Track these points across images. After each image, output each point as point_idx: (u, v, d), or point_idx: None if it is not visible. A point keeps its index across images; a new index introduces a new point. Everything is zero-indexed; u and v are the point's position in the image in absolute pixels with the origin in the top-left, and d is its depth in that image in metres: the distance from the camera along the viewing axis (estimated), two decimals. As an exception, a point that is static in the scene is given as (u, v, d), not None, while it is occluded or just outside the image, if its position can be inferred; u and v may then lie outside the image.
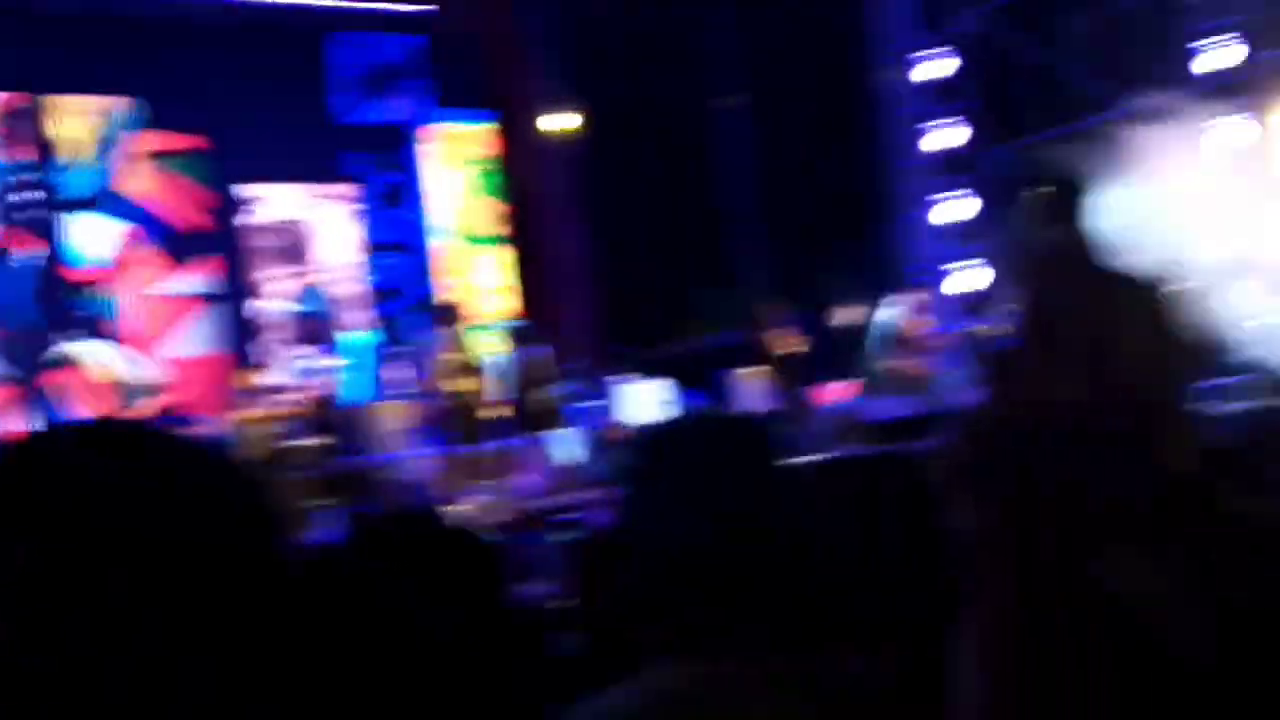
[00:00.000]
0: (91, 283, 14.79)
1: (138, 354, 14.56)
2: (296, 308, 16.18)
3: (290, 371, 14.01)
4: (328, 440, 12.82)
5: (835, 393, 15.58)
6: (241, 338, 15.43)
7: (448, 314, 12.18)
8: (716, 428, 1.86)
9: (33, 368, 14.06)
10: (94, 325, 14.64)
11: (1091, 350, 0.95)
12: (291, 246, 16.41)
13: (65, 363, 13.89)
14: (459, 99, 18.12)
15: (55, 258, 14.65)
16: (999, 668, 0.89)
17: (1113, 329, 1.00)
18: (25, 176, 14.45)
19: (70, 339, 14.14)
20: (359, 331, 16.62)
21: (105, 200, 14.99)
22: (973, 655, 0.93)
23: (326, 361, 14.19)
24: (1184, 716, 1.51)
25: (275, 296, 16.12)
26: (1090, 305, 1.14)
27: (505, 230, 18.36)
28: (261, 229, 16.23)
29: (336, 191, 16.96)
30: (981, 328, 16.22)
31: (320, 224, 16.75)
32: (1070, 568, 1.00)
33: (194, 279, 15.50)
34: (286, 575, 0.99)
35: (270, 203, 16.34)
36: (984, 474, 0.98)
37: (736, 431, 1.83)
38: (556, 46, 18.50)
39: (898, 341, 14.07)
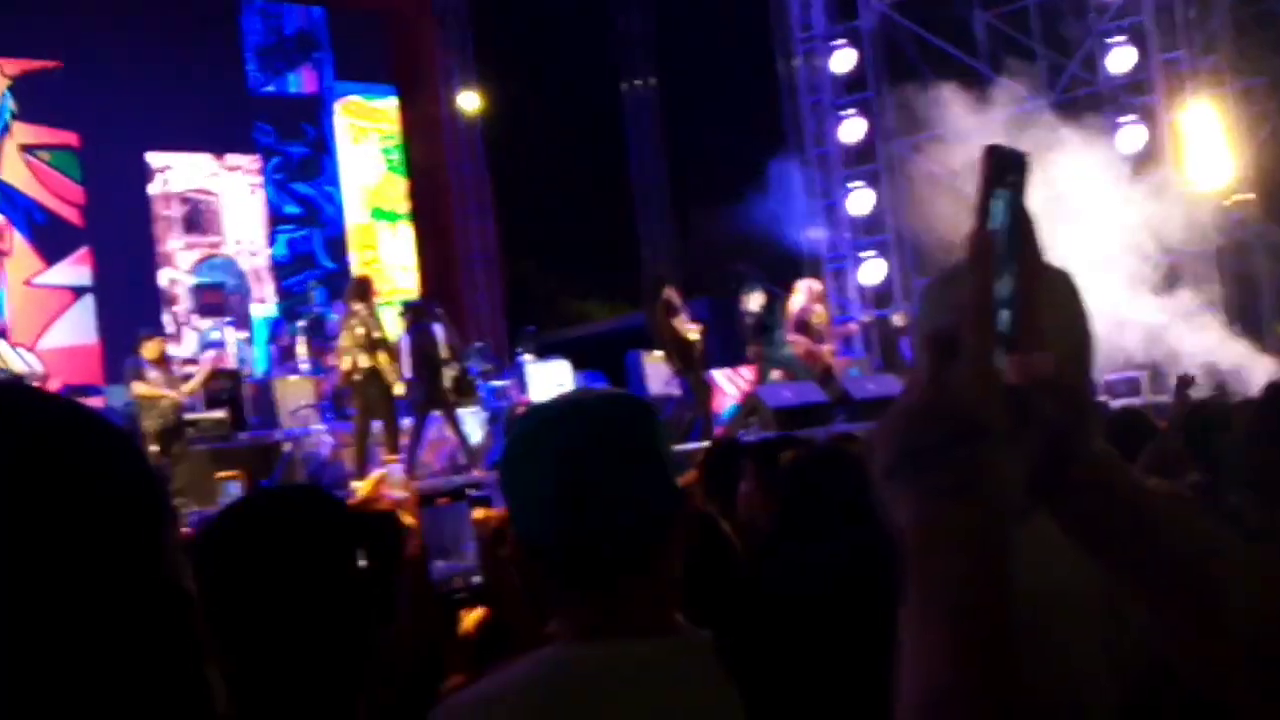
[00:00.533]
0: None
1: (19, 346, 14.48)
2: (202, 279, 16.04)
3: (195, 343, 13.86)
4: (230, 414, 12.74)
5: (738, 376, 15.79)
6: (117, 325, 15.22)
7: (357, 289, 12.09)
8: (594, 409, 1.81)
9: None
10: None
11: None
12: (198, 217, 16.25)
13: None
14: (363, 73, 18.07)
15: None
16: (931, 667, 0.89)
17: (1049, 314, 0.97)
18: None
19: None
20: (265, 304, 16.54)
21: None
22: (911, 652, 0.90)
23: (231, 334, 14.09)
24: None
25: (180, 267, 15.97)
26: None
27: (410, 207, 18.34)
28: (168, 198, 16.05)
29: (244, 163, 16.83)
30: (893, 317, 16.55)
31: (227, 195, 16.60)
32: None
33: (68, 270, 15.30)
34: (163, 557, 0.93)
35: (178, 172, 16.16)
36: (922, 461, 0.92)
37: (615, 412, 1.80)
38: (464, 24, 18.49)
39: (802, 328, 14.19)
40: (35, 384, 13.44)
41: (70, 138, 15.25)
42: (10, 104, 14.93)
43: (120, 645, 0.87)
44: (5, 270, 14.78)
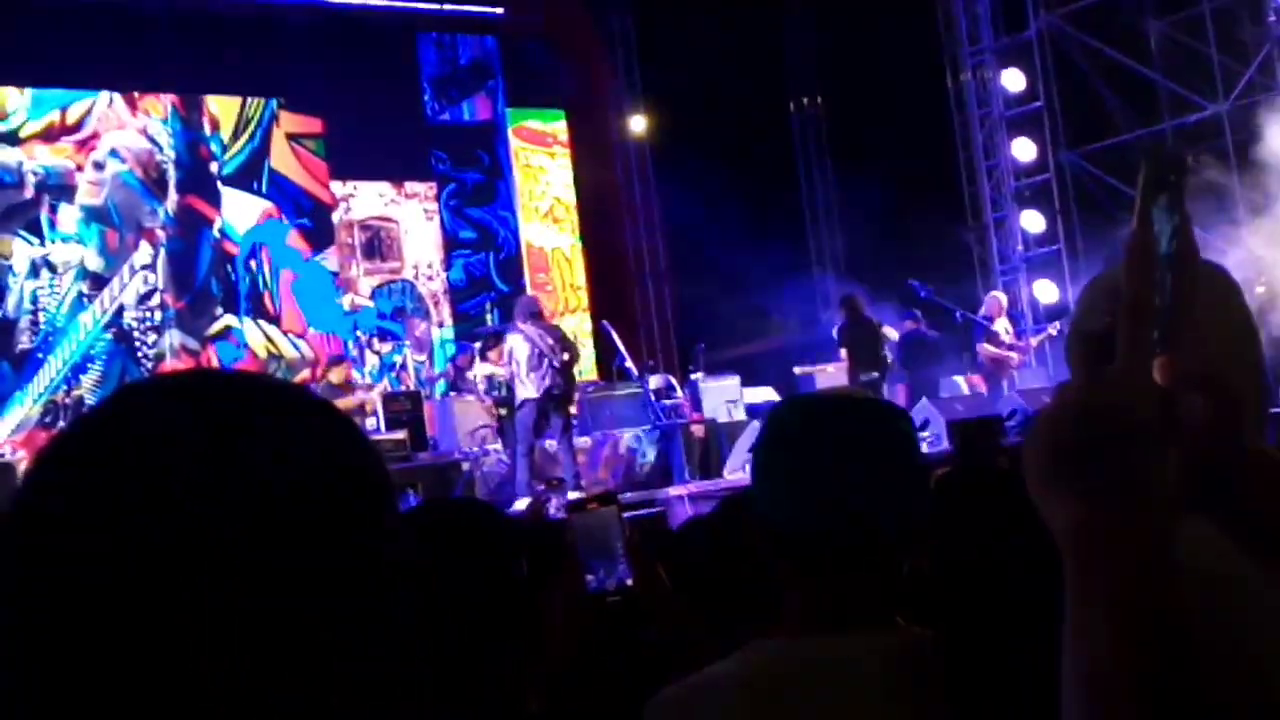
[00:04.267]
0: (248, 258, 15.12)
1: (289, 333, 14.98)
2: (381, 304, 16.49)
3: (376, 366, 14.14)
4: (410, 434, 12.97)
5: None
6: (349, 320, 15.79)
7: (530, 310, 12.23)
8: (856, 407, 1.87)
9: (203, 340, 14.34)
10: (255, 300, 14.98)
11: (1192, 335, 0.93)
12: (378, 243, 16.68)
13: (229, 336, 14.08)
14: (534, 99, 18.35)
15: (223, 232, 14.93)
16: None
17: (1205, 312, 0.95)
18: (200, 147, 14.49)
19: (233, 313, 14.33)
20: (443, 327, 16.86)
21: (253, 178, 15.25)
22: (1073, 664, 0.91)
23: (411, 356, 14.38)
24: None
25: (362, 293, 16.43)
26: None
27: (581, 228, 18.56)
28: (350, 226, 16.51)
29: (422, 190, 17.21)
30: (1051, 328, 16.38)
31: (406, 221, 17.00)
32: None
33: (328, 258, 15.98)
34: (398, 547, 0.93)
35: (360, 200, 16.63)
36: (1078, 463, 0.92)
37: (875, 411, 1.87)
38: (631, 46, 18.66)
39: (989, 338, 14.40)
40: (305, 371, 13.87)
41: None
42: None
43: (350, 600, 0.87)
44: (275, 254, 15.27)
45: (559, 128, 18.60)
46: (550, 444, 12.53)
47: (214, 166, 14.16)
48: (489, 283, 17.56)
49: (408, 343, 15.11)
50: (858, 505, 1.76)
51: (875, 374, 13.90)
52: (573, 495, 10.40)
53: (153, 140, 13.61)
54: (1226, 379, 0.94)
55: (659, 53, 18.01)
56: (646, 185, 18.73)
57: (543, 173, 18.40)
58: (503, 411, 13.05)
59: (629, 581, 2.30)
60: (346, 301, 16.18)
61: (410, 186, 17.10)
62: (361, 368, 14.64)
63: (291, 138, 15.68)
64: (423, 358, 15.50)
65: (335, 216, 16.40)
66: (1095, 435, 0.91)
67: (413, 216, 17.08)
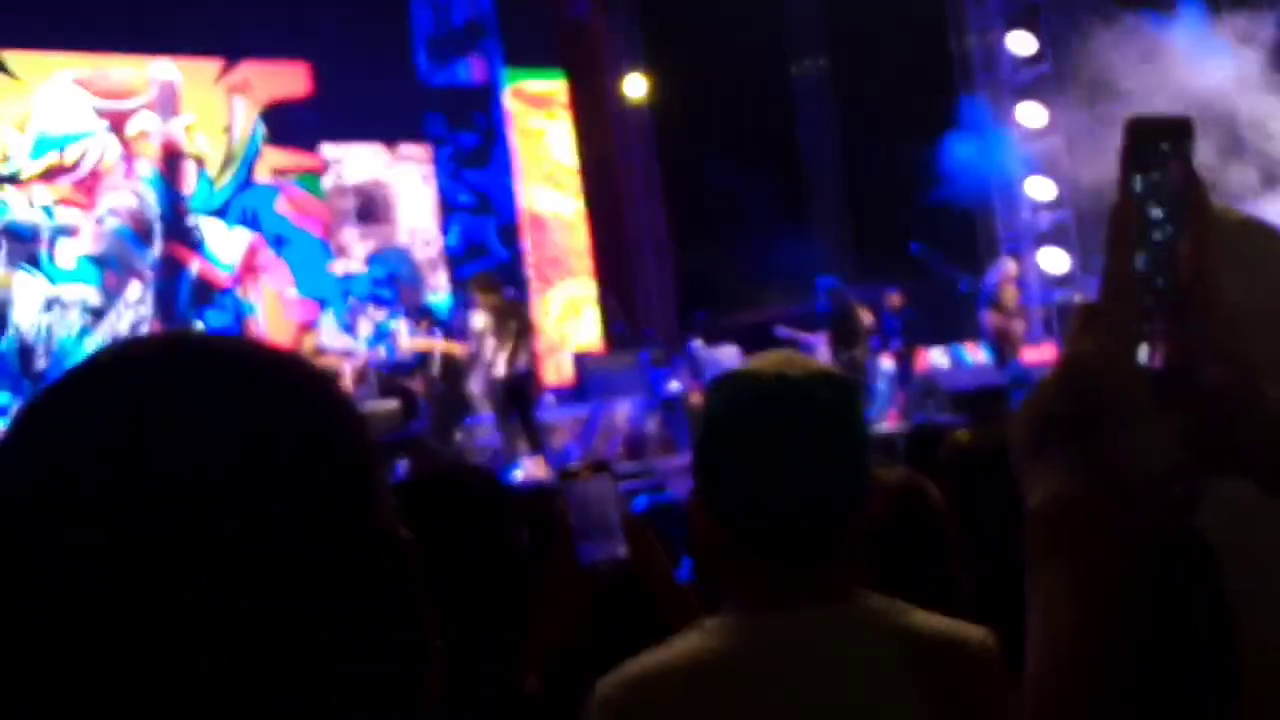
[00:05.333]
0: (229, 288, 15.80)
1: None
2: (374, 270, 16.30)
3: (369, 333, 14.07)
4: (403, 404, 12.86)
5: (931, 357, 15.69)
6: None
7: (491, 284, 12.23)
8: (798, 385, 1.78)
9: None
10: (239, 327, 15.48)
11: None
12: (371, 208, 16.54)
13: None
14: (531, 60, 18.12)
15: (208, 263, 15.76)
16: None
17: (1240, 272, 0.97)
18: (179, 204, 15.76)
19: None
20: (439, 294, 16.72)
21: (235, 211, 15.91)
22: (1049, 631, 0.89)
23: (404, 324, 14.23)
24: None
25: (355, 258, 16.26)
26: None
27: (581, 193, 18.37)
28: (343, 190, 16.35)
29: (416, 153, 17.02)
30: (1075, 298, 16.20)
31: (400, 186, 16.82)
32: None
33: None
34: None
35: (351, 164, 16.45)
36: (1051, 436, 0.90)
37: (818, 388, 1.78)
38: (631, 7, 18.46)
39: (995, 307, 14.25)
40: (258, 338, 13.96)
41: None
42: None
43: (347, 595, 0.85)
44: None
45: (558, 88, 18.36)
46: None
47: (191, 219, 15.73)
48: (486, 248, 17.34)
49: (402, 310, 14.95)
50: (799, 488, 1.74)
51: (855, 351, 13.94)
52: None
53: (141, 199, 15.41)
54: (1235, 349, 0.91)
55: (659, 13, 17.84)
56: (647, 149, 18.57)
57: (542, 135, 18.18)
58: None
59: (622, 553, 2.18)
60: (339, 267, 16.00)
61: (404, 149, 16.88)
62: (354, 334, 14.49)
63: (279, 172, 16.04)
64: (420, 324, 15.36)
65: (327, 181, 16.25)
66: (1069, 413, 0.91)
67: (407, 180, 16.88)
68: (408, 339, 13.26)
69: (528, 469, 11.60)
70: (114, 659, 0.78)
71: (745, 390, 1.80)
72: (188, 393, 0.84)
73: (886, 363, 14.95)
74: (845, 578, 1.78)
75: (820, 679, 1.69)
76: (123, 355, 0.89)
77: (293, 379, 0.89)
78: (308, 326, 14.70)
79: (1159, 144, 0.93)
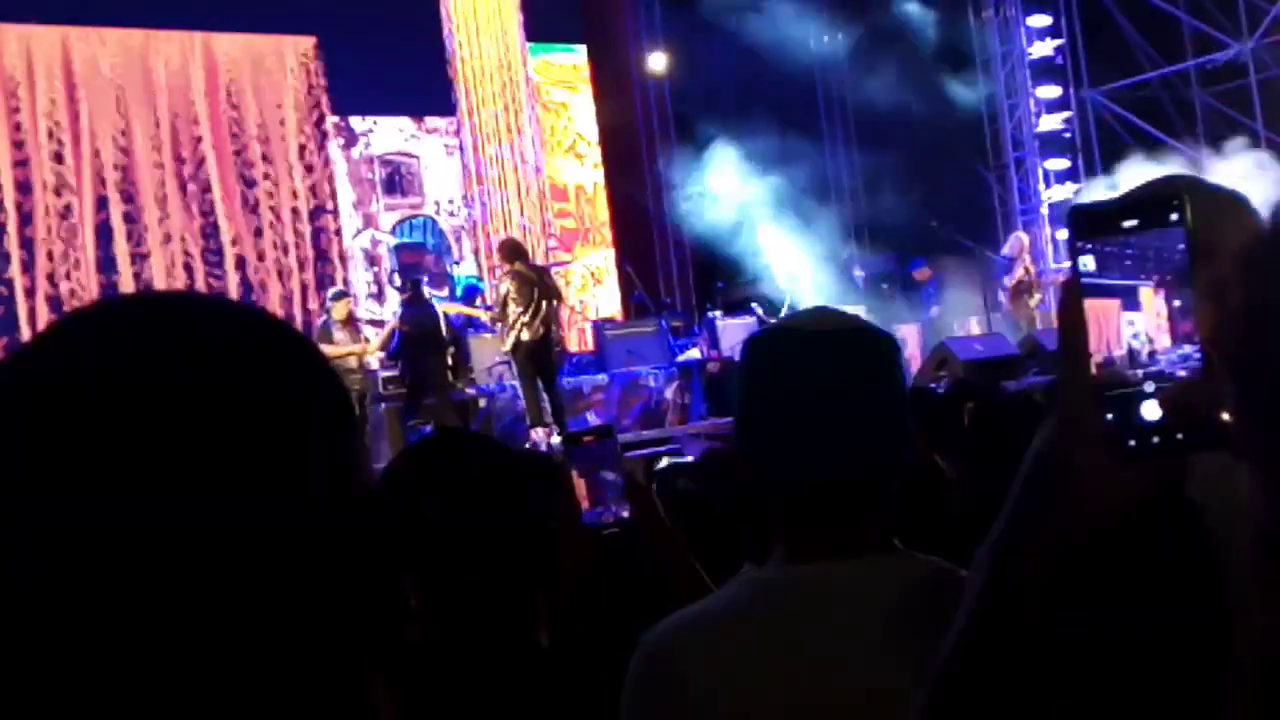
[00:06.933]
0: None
1: None
2: (403, 240, 16.49)
3: (396, 302, 14.11)
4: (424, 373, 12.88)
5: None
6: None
7: (517, 251, 12.12)
8: (838, 340, 1.80)
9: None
10: None
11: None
12: (398, 179, 16.68)
13: None
14: (554, 34, 18.22)
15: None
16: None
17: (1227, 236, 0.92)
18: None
19: None
20: (464, 264, 16.89)
21: None
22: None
23: (430, 293, 14.38)
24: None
25: (382, 228, 16.43)
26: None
27: (603, 166, 18.52)
28: (370, 161, 16.51)
29: (442, 125, 17.17)
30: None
31: (427, 157, 16.97)
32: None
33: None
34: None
35: (379, 135, 16.61)
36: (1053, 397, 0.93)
37: (859, 342, 1.81)
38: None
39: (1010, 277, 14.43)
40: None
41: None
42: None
43: (320, 554, 0.83)
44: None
45: (580, 62, 18.49)
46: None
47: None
48: (510, 220, 17.47)
49: (428, 279, 15.08)
50: (840, 440, 1.74)
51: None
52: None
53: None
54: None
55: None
56: (666, 121, 18.61)
57: (565, 109, 18.32)
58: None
59: (626, 515, 2.26)
60: (366, 238, 16.17)
61: (430, 121, 17.06)
62: (381, 303, 14.68)
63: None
64: (444, 293, 15.49)
65: (355, 151, 16.40)
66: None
67: (433, 151, 17.06)
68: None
69: (540, 436, 11.63)
70: (90, 629, 0.77)
71: (786, 344, 1.81)
72: (155, 351, 0.82)
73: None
74: (886, 529, 1.78)
75: (861, 629, 1.69)
76: (92, 317, 0.87)
77: (265, 335, 0.88)
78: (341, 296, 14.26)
79: (1104, 226, 0.92)
